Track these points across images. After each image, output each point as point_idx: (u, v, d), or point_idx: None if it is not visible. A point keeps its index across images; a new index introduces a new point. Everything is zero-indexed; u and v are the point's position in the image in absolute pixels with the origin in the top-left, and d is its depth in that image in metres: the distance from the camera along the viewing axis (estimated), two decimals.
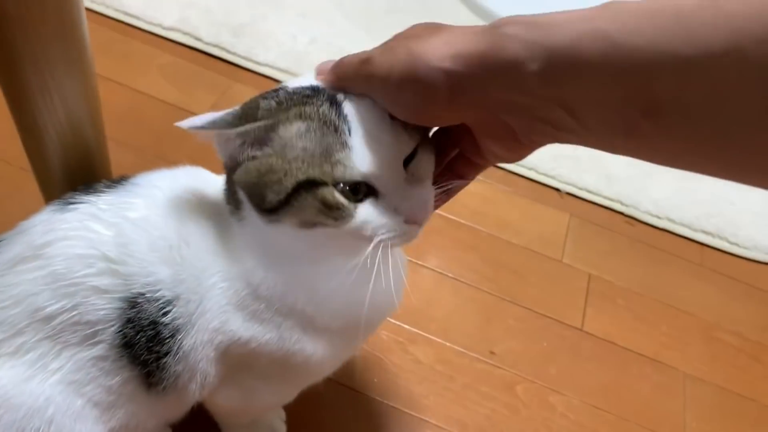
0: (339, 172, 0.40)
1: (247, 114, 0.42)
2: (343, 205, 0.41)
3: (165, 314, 0.47)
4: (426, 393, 0.79)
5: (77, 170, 0.59)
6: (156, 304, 0.46)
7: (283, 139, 0.41)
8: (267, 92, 0.45)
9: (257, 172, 0.42)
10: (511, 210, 1.03)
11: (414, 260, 0.91)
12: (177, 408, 0.55)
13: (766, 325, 0.97)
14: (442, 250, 0.94)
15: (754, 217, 1.10)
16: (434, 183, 0.45)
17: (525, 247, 0.98)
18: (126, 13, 1.12)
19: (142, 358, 0.47)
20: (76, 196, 0.49)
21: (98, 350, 0.46)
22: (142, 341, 0.47)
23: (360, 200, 0.42)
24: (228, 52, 1.11)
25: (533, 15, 0.33)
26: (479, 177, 0.47)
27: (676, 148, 0.32)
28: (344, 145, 0.41)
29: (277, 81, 1.07)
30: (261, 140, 0.42)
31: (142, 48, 1.09)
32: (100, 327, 0.46)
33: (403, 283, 0.54)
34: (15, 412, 0.45)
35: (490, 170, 0.61)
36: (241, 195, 0.46)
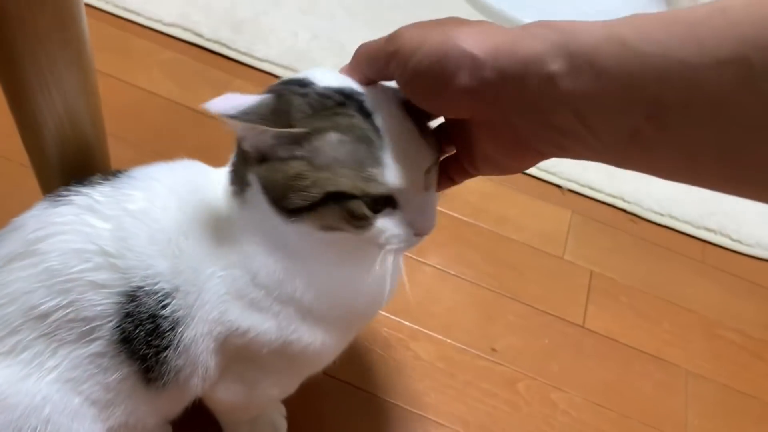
0: (372, 188, 0.41)
1: (281, 111, 0.42)
2: (368, 216, 0.42)
3: (164, 307, 0.46)
4: (427, 390, 0.79)
5: (77, 166, 0.58)
6: (155, 297, 0.46)
7: (315, 148, 0.41)
8: (291, 84, 0.44)
9: (284, 174, 0.42)
10: (512, 207, 1.03)
11: (415, 257, 0.91)
12: (176, 404, 0.55)
13: None
14: (443, 246, 0.94)
15: (756, 214, 1.10)
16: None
17: (526, 244, 0.98)
18: (126, 9, 1.11)
19: (141, 353, 0.47)
20: (70, 189, 0.49)
21: (95, 347, 0.46)
22: (141, 335, 0.46)
23: (379, 210, 0.43)
24: (229, 48, 1.11)
25: (560, 21, 0.35)
26: None
27: (676, 156, 0.32)
28: (377, 160, 0.41)
29: (277, 77, 1.07)
30: (293, 142, 0.42)
31: (142, 44, 1.09)
32: (97, 323, 0.46)
33: (400, 273, 0.54)
34: (11, 412, 0.45)
35: None
36: (253, 181, 0.45)
